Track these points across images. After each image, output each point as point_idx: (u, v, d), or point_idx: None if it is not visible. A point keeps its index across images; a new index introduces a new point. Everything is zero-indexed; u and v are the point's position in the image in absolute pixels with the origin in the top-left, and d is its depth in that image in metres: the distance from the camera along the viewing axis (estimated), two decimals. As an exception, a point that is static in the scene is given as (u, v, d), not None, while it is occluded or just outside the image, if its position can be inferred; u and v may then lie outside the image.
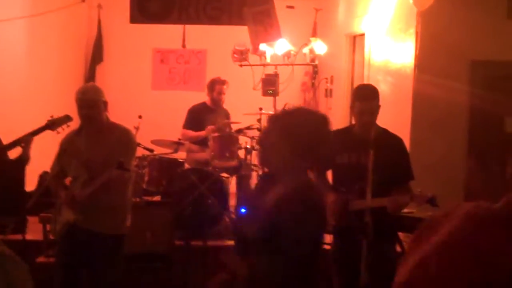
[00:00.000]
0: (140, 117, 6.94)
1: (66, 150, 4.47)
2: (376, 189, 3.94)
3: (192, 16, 6.61)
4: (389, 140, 4.31)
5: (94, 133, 4.42)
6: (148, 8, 6.53)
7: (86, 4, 9.14)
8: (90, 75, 9.66)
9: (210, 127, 7.01)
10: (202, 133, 7.10)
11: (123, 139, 4.44)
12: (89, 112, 4.34)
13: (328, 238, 4.49)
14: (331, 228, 4.33)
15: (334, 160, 4.21)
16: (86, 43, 9.85)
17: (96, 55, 9.72)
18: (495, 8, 6.12)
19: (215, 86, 7.34)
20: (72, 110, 4.68)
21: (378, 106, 4.26)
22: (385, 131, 4.35)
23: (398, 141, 4.36)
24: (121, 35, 9.62)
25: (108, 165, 4.18)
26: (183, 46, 7.41)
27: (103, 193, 4.21)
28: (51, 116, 4.91)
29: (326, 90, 9.16)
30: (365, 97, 4.23)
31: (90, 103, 4.33)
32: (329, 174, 4.47)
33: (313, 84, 9.54)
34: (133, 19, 6.58)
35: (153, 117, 8.85)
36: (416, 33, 6.23)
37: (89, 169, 4.33)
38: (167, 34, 9.02)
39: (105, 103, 4.44)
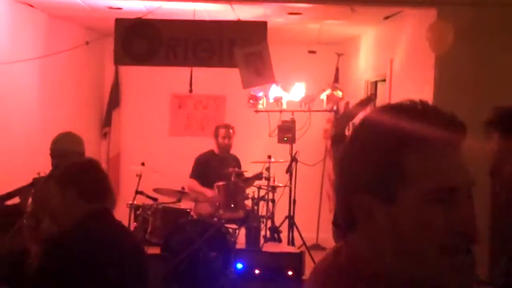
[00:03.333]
0: (143, 164, 6.62)
1: (37, 197, 4.13)
2: None
3: (180, 58, 6.27)
4: None
5: None
6: (133, 48, 6.17)
7: (101, 47, 8.95)
8: (107, 120, 9.45)
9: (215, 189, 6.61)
10: (207, 193, 6.76)
11: None
12: (59, 163, 3.92)
13: None
14: None
15: None
16: (103, 87, 9.64)
17: (113, 100, 9.49)
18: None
19: (219, 130, 7.18)
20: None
21: None
22: None
23: None
24: (139, 80, 9.38)
25: None
26: (190, 91, 7.11)
27: None
28: (38, 173, 4.50)
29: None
30: None
31: (61, 153, 3.99)
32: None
33: (335, 131, 9.13)
34: (118, 60, 6.25)
35: (169, 164, 8.53)
36: (434, 79, 5.81)
37: None
38: (185, 79, 8.75)
39: (80, 154, 4.08)
